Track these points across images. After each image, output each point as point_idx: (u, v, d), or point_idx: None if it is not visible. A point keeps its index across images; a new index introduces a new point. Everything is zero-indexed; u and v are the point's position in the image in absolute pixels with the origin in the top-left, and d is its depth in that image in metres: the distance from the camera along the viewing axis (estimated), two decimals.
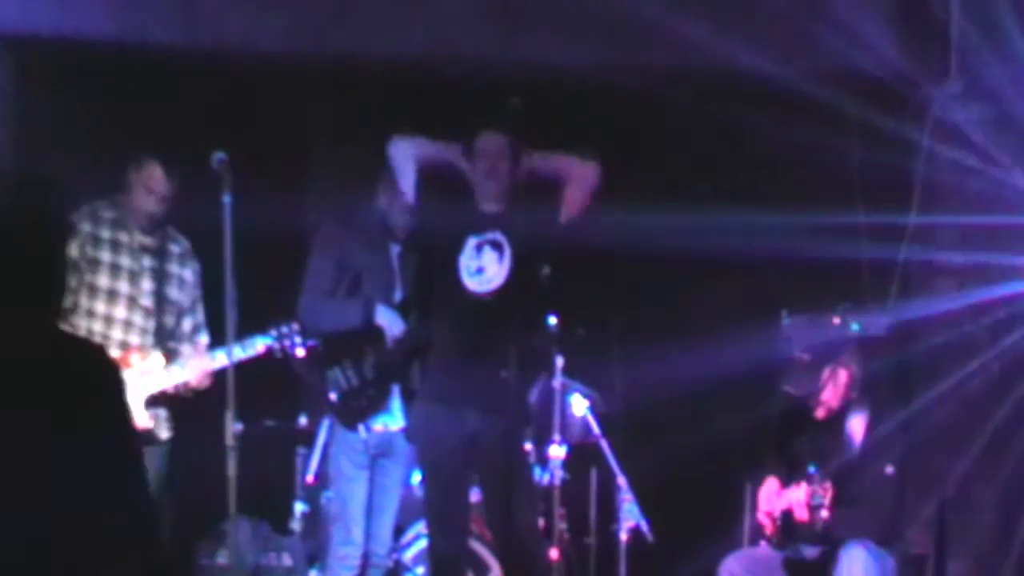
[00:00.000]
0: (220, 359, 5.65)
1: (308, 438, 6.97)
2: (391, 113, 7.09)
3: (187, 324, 5.90)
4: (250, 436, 5.83)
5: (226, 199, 5.34)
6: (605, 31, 6.99)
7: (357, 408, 6.00)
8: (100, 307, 5.72)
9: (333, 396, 6.01)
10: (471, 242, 5.79)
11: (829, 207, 6.90)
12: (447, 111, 6.03)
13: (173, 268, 5.87)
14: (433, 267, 5.87)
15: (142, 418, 5.62)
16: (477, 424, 5.71)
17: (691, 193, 7.39)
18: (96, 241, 5.73)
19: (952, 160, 6.90)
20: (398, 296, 6.10)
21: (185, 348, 5.85)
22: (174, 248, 5.90)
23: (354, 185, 5.95)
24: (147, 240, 5.83)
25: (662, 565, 7.16)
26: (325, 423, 6.48)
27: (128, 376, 5.58)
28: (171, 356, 5.77)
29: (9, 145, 6.95)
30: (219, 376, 5.52)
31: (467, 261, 5.78)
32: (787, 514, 6.34)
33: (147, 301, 5.78)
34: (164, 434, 5.79)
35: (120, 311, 5.73)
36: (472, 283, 5.77)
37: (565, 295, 6.14)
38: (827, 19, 6.78)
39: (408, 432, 6.00)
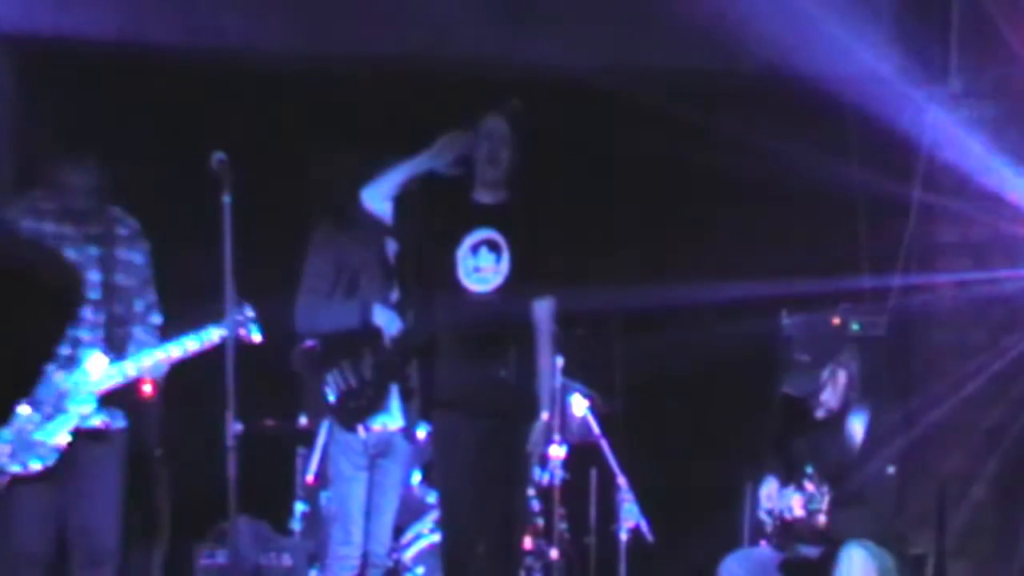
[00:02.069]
0: (172, 351, 5.60)
1: (308, 438, 6.97)
2: (391, 113, 7.11)
3: (138, 306, 5.75)
4: (250, 436, 5.83)
5: (226, 199, 5.33)
6: (605, 31, 6.99)
7: (356, 409, 6.00)
8: None
9: (332, 397, 6.01)
10: (466, 242, 5.77)
11: (829, 207, 6.90)
12: (447, 111, 6.02)
13: (121, 253, 5.71)
14: (430, 268, 5.86)
15: (95, 418, 5.59)
16: (486, 425, 5.72)
17: (689, 192, 7.40)
18: (40, 237, 5.57)
19: (952, 160, 6.91)
20: (395, 295, 6.10)
21: (137, 330, 5.72)
22: (121, 231, 5.74)
23: (353, 185, 5.94)
24: (92, 228, 5.68)
25: (662, 565, 7.16)
26: (325, 423, 6.48)
27: (78, 375, 5.56)
28: (123, 343, 5.67)
29: (9, 145, 6.96)
30: (219, 376, 5.49)
31: (464, 261, 5.77)
32: (784, 514, 6.33)
33: (95, 293, 5.63)
34: (119, 424, 5.68)
35: None
36: (471, 283, 5.76)
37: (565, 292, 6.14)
38: (825, 19, 6.78)
39: (429, 438, 6.03)
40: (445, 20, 7.00)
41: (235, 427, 5.32)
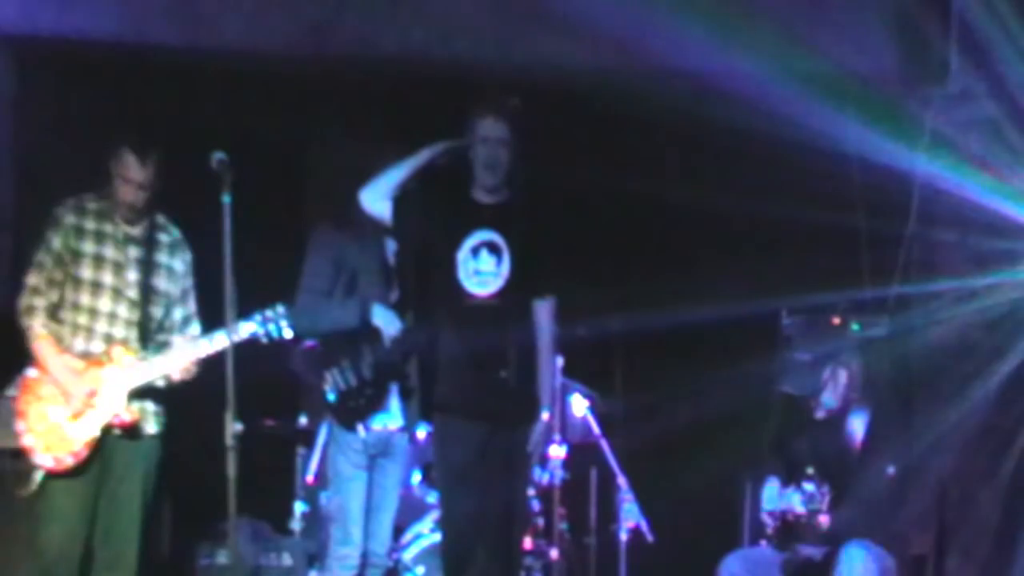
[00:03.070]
0: (203, 347, 5.63)
1: (308, 438, 6.98)
2: (391, 113, 7.11)
3: (177, 314, 5.81)
4: (250, 436, 5.83)
5: (226, 199, 5.33)
6: (608, 32, 6.99)
7: (356, 408, 6.00)
8: (85, 299, 5.64)
9: (331, 397, 6.01)
10: (467, 244, 5.75)
11: (829, 208, 6.90)
12: (447, 111, 6.02)
13: (161, 258, 5.77)
14: (431, 269, 5.86)
15: (128, 412, 5.61)
16: (486, 426, 5.72)
17: (689, 193, 7.40)
18: (80, 232, 5.65)
19: (952, 160, 6.90)
20: (395, 295, 6.10)
21: (176, 339, 5.76)
22: (163, 237, 5.80)
23: (353, 185, 5.94)
24: (133, 230, 5.74)
25: (662, 565, 7.16)
26: (325, 423, 6.48)
27: (111, 370, 5.61)
28: (159, 349, 5.71)
29: (9, 145, 6.96)
30: (219, 376, 5.49)
31: (464, 264, 5.75)
32: (787, 514, 6.34)
33: (132, 292, 5.69)
34: (152, 428, 5.72)
35: (105, 303, 5.65)
36: (471, 286, 5.75)
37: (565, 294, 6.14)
38: (825, 20, 6.78)
39: (429, 438, 6.05)
40: (445, 20, 7.00)
41: (235, 427, 5.32)
